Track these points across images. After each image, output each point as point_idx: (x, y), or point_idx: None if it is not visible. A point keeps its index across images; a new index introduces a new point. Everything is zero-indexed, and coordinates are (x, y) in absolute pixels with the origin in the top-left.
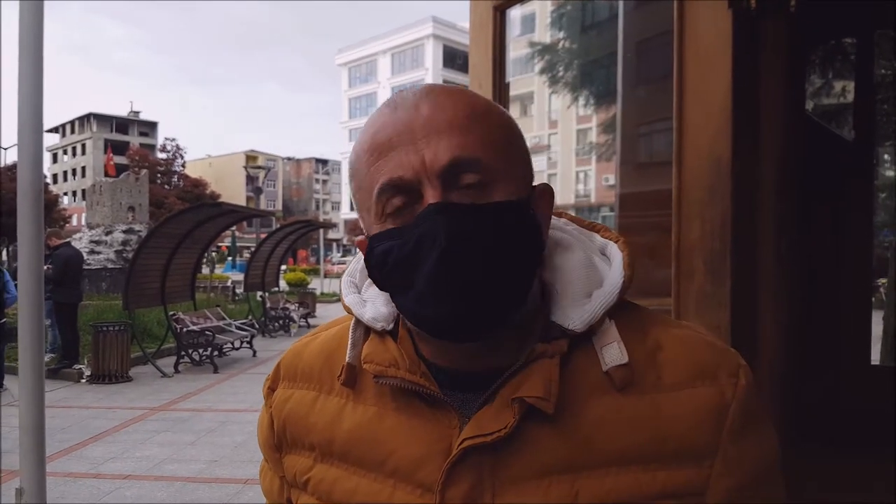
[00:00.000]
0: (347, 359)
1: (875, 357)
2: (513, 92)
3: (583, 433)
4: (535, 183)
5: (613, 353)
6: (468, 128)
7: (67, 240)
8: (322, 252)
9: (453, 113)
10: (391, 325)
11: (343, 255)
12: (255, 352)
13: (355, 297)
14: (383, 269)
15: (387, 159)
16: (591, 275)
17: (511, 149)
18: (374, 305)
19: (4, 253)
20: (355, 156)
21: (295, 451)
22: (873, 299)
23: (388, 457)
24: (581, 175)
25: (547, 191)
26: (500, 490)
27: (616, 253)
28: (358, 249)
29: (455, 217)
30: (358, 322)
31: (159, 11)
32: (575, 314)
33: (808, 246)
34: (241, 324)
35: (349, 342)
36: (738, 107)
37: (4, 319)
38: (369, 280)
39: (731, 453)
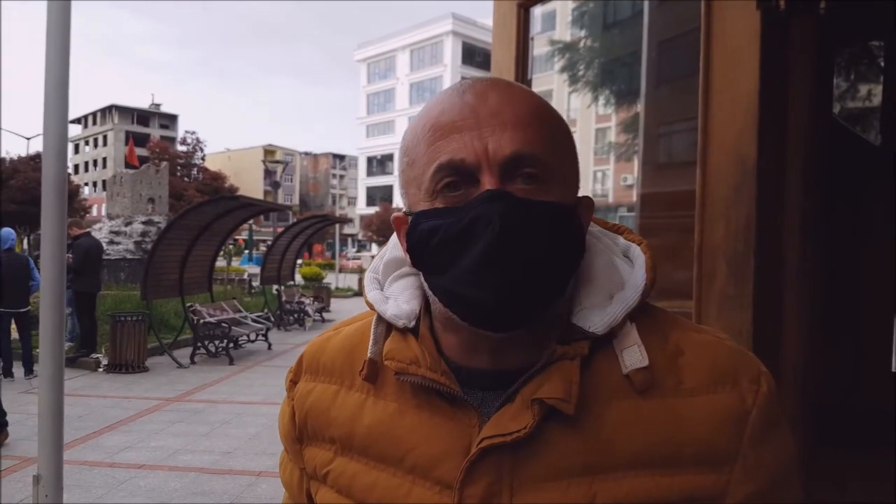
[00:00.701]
0: (369, 354)
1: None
2: (532, 90)
3: (602, 436)
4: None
5: (634, 356)
6: (532, 125)
7: (88, 230)
8: (337, 247)
9: (520, 108)
10: (412, 323)
11: (358, 251)
12: (270, 345)
13: (378, 293)
14: (426, 245)
15: (448, 140)
16: (613, 277)
17: (566, 153)
18: (397, 303)
19: (25, 241)
20: (413, 133)
21: (316, 444)
22: None
23: (408, 453)
24: (599, 174)
25: (589, 204)
26: (518, 490)
27: (639, 255)
28: (394, 227)
29: (512, 206)
30: (380, 318)
31: (180, 5)
32: (596, 316)
33: (828, 248)
34: (257, 316)
35: (371, 338)
36: (764, 106)
37: (28, 308)
38: (392, 276)
39: (750, 460)
